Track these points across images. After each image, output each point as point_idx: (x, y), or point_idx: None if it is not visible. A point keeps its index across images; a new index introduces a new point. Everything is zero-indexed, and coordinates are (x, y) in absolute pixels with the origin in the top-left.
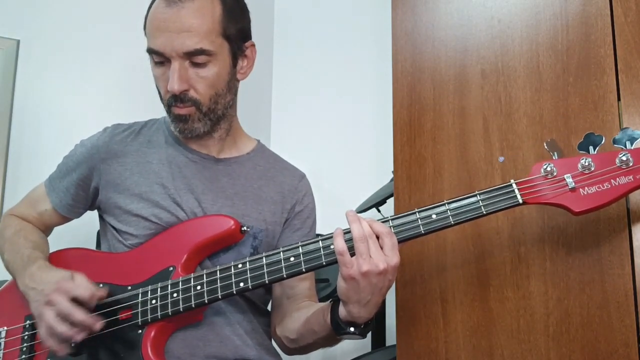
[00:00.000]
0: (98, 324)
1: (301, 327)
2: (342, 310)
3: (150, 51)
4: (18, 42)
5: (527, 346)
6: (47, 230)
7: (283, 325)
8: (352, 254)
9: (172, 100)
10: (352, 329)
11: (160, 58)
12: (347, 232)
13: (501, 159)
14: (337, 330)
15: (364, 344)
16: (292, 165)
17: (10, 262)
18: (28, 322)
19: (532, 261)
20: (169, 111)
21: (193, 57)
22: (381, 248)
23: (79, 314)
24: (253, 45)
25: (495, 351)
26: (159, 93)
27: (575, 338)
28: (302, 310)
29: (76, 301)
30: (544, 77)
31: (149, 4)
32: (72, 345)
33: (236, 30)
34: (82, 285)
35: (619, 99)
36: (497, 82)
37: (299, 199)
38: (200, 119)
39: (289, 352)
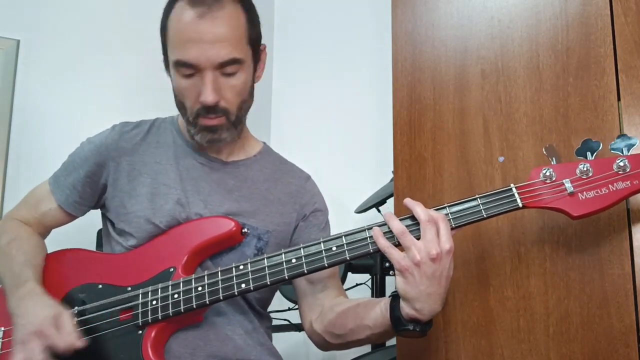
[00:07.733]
0: None
1: (350, 322)
2: (404, 307)
3: (181, 64)
4: (18, 42)
5: (527, 346)
6: (46, 232)
7: (323, 320)
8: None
9: (203, 112)
10: (411, 326)
11: (190, 70)
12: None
13: (501, 159)
14: (396, 327)
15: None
16: (298, 167)
17: (2, 276)
18: None
19: (532, 261)
20: (194, 122)
21: (225, 67)
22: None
23: None
24: (265, 47)
25: (495, 351)
26: (180, 103)
27: (575, 338)
28: (345, 305)
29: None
30: (544, 77)
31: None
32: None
33: (256, 35)
34: (62, 334)
35: (619, 99)
36: (497, 82)
37: (309, 199)
38: (228, 128)
39: (330, 347)
